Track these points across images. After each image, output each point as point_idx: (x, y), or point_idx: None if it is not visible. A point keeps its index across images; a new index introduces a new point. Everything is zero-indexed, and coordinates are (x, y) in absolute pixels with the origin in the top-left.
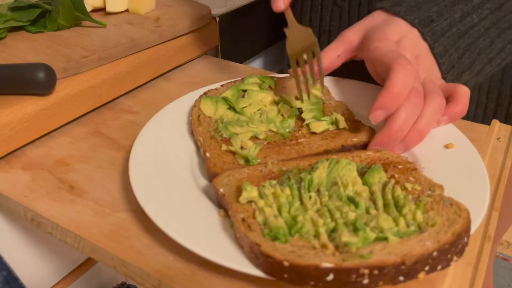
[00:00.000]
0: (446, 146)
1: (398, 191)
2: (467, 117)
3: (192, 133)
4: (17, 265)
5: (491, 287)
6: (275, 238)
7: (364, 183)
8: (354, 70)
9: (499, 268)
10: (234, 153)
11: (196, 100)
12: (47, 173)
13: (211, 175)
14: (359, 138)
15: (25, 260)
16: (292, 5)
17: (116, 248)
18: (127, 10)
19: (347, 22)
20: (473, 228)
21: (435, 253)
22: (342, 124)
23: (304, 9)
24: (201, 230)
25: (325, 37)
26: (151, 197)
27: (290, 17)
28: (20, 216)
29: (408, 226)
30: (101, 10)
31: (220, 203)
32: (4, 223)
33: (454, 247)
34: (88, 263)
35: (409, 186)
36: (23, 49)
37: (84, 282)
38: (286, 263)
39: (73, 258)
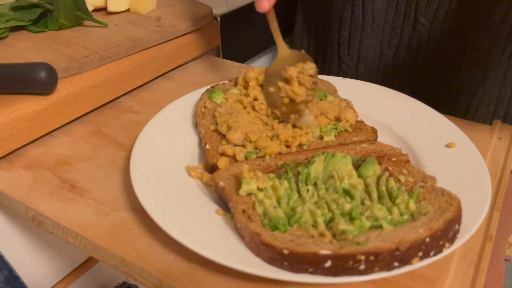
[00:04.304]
0: (447, 146)
1: (392, 183)
2: (468, 117)
3: (195, 126)
4: (18, 264)
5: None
6: (274, 228)
7: (359, 175)
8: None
9: None
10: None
11: (202, 94)
12: (49, 172)
13: (209, 167)
14: (359, 137)
15: (26, 259)
16: None
17: (117, 247)
18: (128, 10)
19: (361, 15)
20: (475, 227)
21: (427, 240)
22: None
23: None
24: (202, 230)
25: (336, 29)
26: (152, 196)
27: (274, 24)
28: (21, 215)
29: (401, 214)
30: (103, 9)
31: (219, 197)
32: (5, 222)
33: (445, 234)
34: (89, 262)
35: (402, 178)
36: (24, 49)
37: (85, 282)
38: (285, 251)
39: (74, 257)
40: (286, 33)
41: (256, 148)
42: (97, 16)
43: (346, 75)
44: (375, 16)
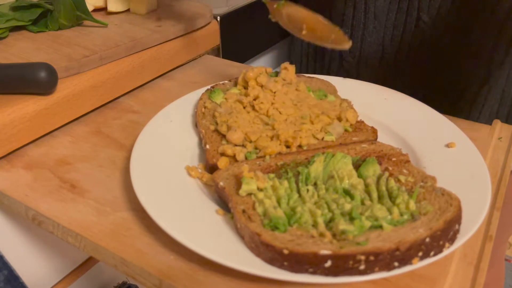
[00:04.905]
0: (447, 146)
1: (392, 183)
2: (471, 117)
3: (195, 126)
4: (18, 264)
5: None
6: (274, 228)
7: (359, 175)
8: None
9: None
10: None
11: (202, 94)
12: (49, 172)
13: (209, 167)
14: (359, 137)
15: (26, 259)
16: None
17: (117, 247)
18: (128, 10)
19: (363, 12)
20: (475, 227)
21: (427, 240)
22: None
23: None
24: (202, 230)
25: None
26: (152, 196)
27: None
28: (21, 215)
29: (401, 214)
30: (103, 9)
31: (219, 197)
32: (5, 222)
33: (445, 234)
34: (89, 262)
35: (402, 178)
36: (24, 49)
37: (85, 282)
38: (286, 251)
39: (74, 257)
40: (286, 34)
41: (256, 148)
42: (97, 16)
43: (347, 72)
44: (377, 13)
